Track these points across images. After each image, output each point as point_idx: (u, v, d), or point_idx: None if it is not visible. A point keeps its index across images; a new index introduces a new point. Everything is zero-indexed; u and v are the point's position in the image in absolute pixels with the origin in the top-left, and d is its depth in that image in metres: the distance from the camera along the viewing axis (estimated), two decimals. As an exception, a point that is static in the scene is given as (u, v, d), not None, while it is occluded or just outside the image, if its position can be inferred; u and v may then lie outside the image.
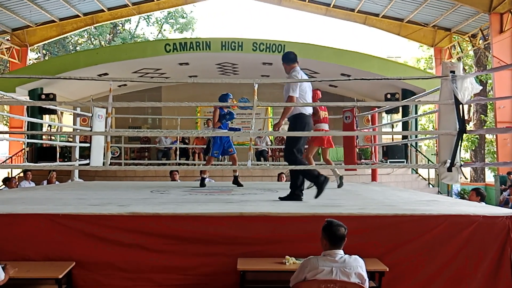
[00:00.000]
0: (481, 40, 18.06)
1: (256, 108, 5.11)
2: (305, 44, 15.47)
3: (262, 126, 17.46)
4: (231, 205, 4.95)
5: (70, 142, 11.05)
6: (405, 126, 16.07)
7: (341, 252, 3.28)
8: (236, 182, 7.73)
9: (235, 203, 5.20)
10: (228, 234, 3.98)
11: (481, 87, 5.08)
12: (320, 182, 5.20)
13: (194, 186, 7.78)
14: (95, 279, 3.90)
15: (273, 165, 11.86)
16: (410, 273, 3.95)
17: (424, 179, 15.13)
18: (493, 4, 15.07)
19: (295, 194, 5.38)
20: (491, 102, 18.60)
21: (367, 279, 3.25)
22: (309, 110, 5.46)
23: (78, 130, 9.13)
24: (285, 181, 10.66)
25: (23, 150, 16.25)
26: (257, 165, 7.91)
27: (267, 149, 14.34)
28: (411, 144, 15.32)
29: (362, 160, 11.36)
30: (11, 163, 15.93)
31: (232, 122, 8.17)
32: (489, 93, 20.02)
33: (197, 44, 14.87)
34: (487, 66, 20.15)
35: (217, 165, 8.45)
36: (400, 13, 18.73)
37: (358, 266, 3.23)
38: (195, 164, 12.80)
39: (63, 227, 3.97)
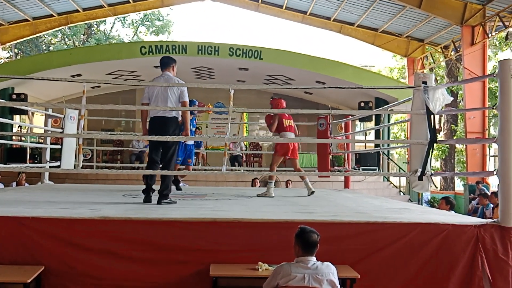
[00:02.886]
0: (453, 52, 18.46)
1: (232, 113, 5.12)
2: (281, 51, 15.55)
3: (237, 131, 17.47)
4: (205, 211, 4.94)
5: (41, 143, 10.85)
6: (378, 134, 16.30)
7: (313, 259, 3.30)
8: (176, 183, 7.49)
9: (208, 208, 5.18)
10: (201, 240, 3.97)
11: (452, 98, 5.19)
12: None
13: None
14: (64, 285, 3.83)
15: (247, 170, 11.87)
16: (381, 280, 4.00)
17: (396, 186, 15.35)
18: (465, 17, 15.43)
19: (168, 197, 5.47)
20: (461, 112, 18.99)
21: (338, 286, 3.28)
22: (157, 113, 5.47)
23: (49, 132, 8.96)
24: (259, 186, 10.68)
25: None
26: (232, 170, 7.92)
27: (241, 155, 14.34)
28: (383, 152, 15.53)
29: (336, 167, 11.46)
30: (-21, 163, 15.53)
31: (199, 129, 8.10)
32: (460, 104, 20.46)
33: (173, 47, 14.80)
34: (458, 77, 20.61)
35: (193, 169, 8.34)
36: (375, 23, 19.02)
37: (330, 273, 3.25)
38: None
39: (32, 231, 3.89)
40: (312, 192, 6.95)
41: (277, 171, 7.01)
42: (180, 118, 5.61)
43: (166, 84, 5.34)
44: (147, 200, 5.46)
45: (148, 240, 3.95)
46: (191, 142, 7.70)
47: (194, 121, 7.76)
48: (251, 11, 21.53)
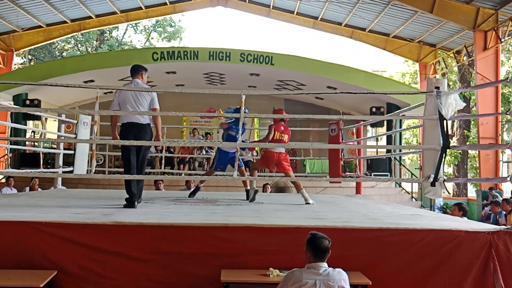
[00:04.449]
0: (465, 57, 18.35)
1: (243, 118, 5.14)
2: (292, 56, 15.56)
3: (248, 137, 17.48)
4: (216, 216, 4.95)
5: (54, 148, 10.95)
6: (390, 140, 16.21)
7: (325, 265, 3.29)
8: (247, 196, 7.03)
9: (219, 213, 5.19)
10: (212, 245, 3.97)
11: (464, 104, 5.16)
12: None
13: (179, 195, 7.74)
14: (77, 288, 3.86)
15: (259, 176, 11.85)
16: (393, 287, 3.97)
17: (408, 192, 15.23)
18: (477, 22, 15.33)
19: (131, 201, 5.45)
20: (474, 118, 18.85)
21: (350, 293, 3.27)
22: (131, 119, 5.53)
23: (62, 137, 9.04)
24: (270, 192, 10.68)
25: (6, 156, 16.04)
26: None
27: (252, 160, 14.32)
28: (395, 158, 15.44)
29: (347, 173, 11.42)
30: (-7, 168, 15.71)
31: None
32: (473, 109, 20.30)
33: (185, 53, 14.89)
34: (471, 82, 20.45)
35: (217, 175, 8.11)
36: (387, 28, 18.98)
37: (341, 279, 3.24)
38: (180, 174, 12.74)
39: (46, 235, 3.92)
40: (308, 203, 6.46)
41: (287, 177, 6.94)
42: (152, 124, 5.68)
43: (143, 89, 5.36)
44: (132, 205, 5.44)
45: (160, 244, 3.97)
46: (232, 150, 7.11)
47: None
48: (262, 17, 21.61)
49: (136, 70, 5.82)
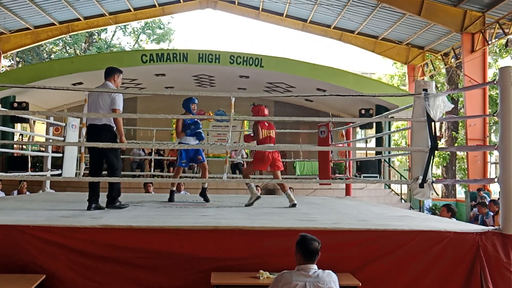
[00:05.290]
0: (453, 59, 18.51)
1: (233, 121, 5.13)
2: (282, 59, 15.60)
3: (238, 139, 17.47)
4: (206, 219, 4.94)
5: (42, 151, 10.86)
6: (379, 141, 16.31)
7: (314, 266, 3.29)
8: (203, 195, 7.19)
9: (209, 216, 5.18)
10: (202, 248, 3.96)
11: (452, 105, 5.20)
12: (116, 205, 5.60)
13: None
14: (65, 293, 3.83)
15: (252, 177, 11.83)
16: (383, 288, 3.99)
17: (397, 194, 15.33)
18: (465, 24, 15.47)
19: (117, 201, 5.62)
20: (462, 119, 19.01)
21: (340, 294, 3.27)
22: (89, 121, 5.55)
23: (51, 140, 8.97)
24: (260, 193, 10.67)
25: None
26: (232, 178, 7.93)
27: (242, 162, 14.33)
28: (384, 160, 15.53)
29: (337, 175, 11.45)
30: (-20, 172, 15.53)
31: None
32: (461, 111, 20.49)
33: (174, 55, 14.86)
34: (459, 84, 20.64)
35: (192, 177, 8.27)
36: (375, 30, 19.09)
37: (331, 281, 3.24)
38: (169, 176, 12.68)
39: (34, 239, 3.89)
40: (294, 205, 6.37)
41: (277, 179, 6.92)
42: (114, 126, 5.58)
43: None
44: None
45: (150, 248, 3.95)
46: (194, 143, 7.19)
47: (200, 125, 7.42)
48: (252, 19, 21.64)
49: (109, 73, 5.73)
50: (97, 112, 5.39)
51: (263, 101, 17.56)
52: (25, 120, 15.53)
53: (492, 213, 9.69)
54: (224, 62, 14.85)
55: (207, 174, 7.29)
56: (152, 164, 11.40)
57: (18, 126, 16.09)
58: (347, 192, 9.09)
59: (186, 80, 16.84)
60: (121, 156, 15.47)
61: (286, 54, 44.72)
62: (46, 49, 30.76)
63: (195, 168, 13.05)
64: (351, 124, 9.11)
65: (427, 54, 20.00)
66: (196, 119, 7.18)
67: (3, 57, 20.57)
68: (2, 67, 21.27)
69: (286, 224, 4.41)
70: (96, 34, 31.52)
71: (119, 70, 5.82)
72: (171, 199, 7.16)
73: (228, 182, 5.22)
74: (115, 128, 5.56)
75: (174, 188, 7.41)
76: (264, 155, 6.50)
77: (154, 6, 20.48)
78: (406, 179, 14.96)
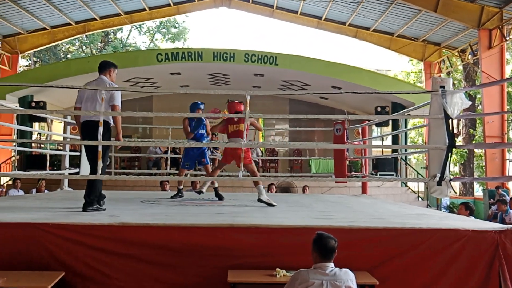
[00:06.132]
0: (470, 55, 18.31)
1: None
2: (296, 56, 15.55)
3: (253, 137, 17.48)
4: (222, 216, 4.95)
5: (60, 150, 10.99)
6: (395, 139, 16.18)
7: (331, 265, 3.28)
8: (216, 194, 7.22)
9: (226, 214, 5.20)
10: (218, 246, 3.98)
11: (470, 102, 5.14)
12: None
13: (185, 196, 7.73)
14: (84, 290, 3.88)
15: (263, 176, 11.86)
16: (400, 287, 3.96)
17: (414, 192, 15.20)
18: (482, 20, 15.30)
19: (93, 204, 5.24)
20: (480, 117, 18.79)
21: (357, 293, 3.26)
22: (84, 118, 5.28)
23: (68, 139, 9.07)
24: (275, 192, 10.68)
25: (13, 158, 16.13)
26: (248, 176, 7.90)
27: (258, 160, 14.35)
28: (401, 158, 15.41)
29: (353, 173, 11.41)
30: (0, 171, 15.78)
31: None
32: (478, 108, 20.24)
33: (189, 54, 14.91)
34: (476, 81, 20.39)
35: (222, 175, 8.17)
36: (391, 27, 18.95)
37: (348, 279, 3.23)
38: (186, 174, 12.75)
39: (53, 237, 3.94)
40: (261, 200, 6.19)
41: (293, 177, 6.93)
42: (112, 123, 5.35)
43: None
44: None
45: (166, 245, 3.98)
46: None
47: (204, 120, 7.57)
48: (266, 17, 21.62)
49: (104, 67, 5.55)
50: (94, 108, 5.17)
51: (278, 99, 17.67)
52: (43, 119, 15.72)
53: (511, 211, 9.58)
54: (238, 60, 14.86)
55: (210, 174, 7.38)
56: (168, 162, 11.46)
57: (36, 125, 16.29)
58: (363, 190, 9.04)
59: (201, 79, 16.89)
60: (138, 155, 15.62)
61: (301, 51, 44.56)
62: (63, 49, 31.08)
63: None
64: (367, 122, 9.05)
65: (443, 51, 19.79)
66: (201, 118, 7.43)
67: (21, 57, 20.85)
68: (20, 67, 21.55)
69: (302, 222, 4.40)
70: (112, 33, 31.75)
71: (114, 64, 5.68)
72: (175, 195, 7.41)
73: (243, 180, 5.22)
74: (111, 125, 5.36)
75: (181, 187, 7.61)
76: (226, 150, 6.67)
77: (169, 5, 20.60)
78: (423, 177, 14.83)
